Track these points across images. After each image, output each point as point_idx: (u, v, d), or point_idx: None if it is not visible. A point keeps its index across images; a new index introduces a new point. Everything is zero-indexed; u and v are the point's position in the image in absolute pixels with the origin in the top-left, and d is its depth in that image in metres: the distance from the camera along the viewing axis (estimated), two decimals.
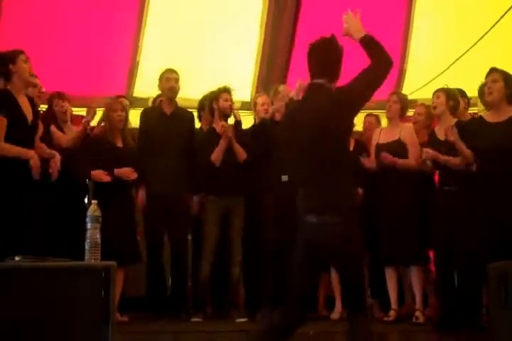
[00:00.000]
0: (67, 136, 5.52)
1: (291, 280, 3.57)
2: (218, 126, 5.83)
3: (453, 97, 5.47)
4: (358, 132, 6.29)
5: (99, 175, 5.46)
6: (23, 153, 4.59)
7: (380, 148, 5.77)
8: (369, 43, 3.52)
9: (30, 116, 4.70)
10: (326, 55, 3.61)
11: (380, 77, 3.49)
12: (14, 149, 4.58)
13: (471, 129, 5.10)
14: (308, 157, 3.52)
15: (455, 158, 5.19)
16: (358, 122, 6.33)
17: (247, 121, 6.54)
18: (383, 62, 3.49)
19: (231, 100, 5.91)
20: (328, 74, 3.59)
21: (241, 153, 5.82)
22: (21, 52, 4.74)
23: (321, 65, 3.60)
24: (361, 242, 3.64)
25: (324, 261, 3.62)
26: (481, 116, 5.20)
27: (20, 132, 4.61)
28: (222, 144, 5.76)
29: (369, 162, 5.78)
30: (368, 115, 6.44)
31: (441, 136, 5.40)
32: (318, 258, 3.53)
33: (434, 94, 5.52)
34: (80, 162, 5.47)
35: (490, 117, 5.04)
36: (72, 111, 5.85)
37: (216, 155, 5.76)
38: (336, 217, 3.43)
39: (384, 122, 6.41)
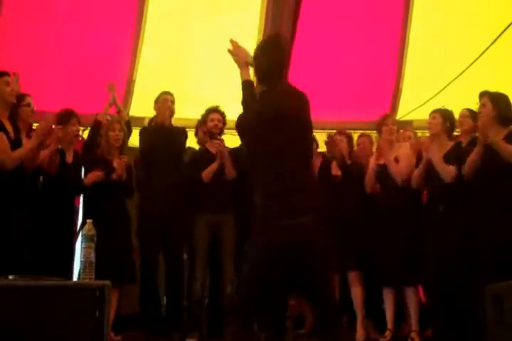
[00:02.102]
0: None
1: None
2: (211, 146, 5.85)
3: (449, 119, 5.48)
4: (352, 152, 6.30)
5: (92, 175, 5.47)
6: (30, 145, 4.65)
7: (377, 169, 5.77)
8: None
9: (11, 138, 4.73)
10: (272, 57, 3.63)
11: None
12: (23, 149, 4.66)
13: (469, 151, 5.11)
14: (281, 159, 3.52)
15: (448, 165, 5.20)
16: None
17: None
18: None
19: (219, 119, 5.91)
20: (272, 74, 3.63)
21: (231, 171, 5.82)
22: (4, 74, 4.76)
23: (266, 65, 3.63)
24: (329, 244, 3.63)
25: (291, 267, 3.50)
26: (477, 138, 5.21)
27: None
28: (216, 163, 5.76)
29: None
30: (361, 136, 6.42)
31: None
32: (286, 264, 3.46)
33: (430, 115, 5.51)
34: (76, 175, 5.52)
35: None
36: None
37: (207, 173, 5.75)
38: (311, 217, 3.44)
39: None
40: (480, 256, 4.93)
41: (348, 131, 6.30)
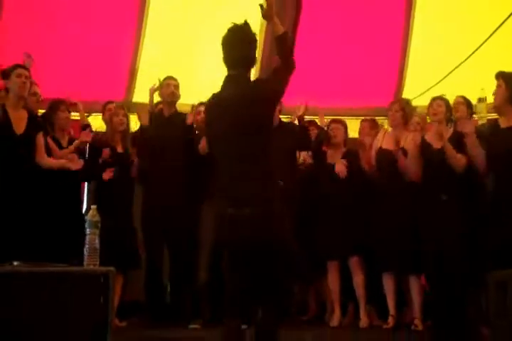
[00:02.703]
0: (60, 152, 5.44)
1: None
2: None
3: (450, 108, 5.45)
4: (352, 139, 6.28)
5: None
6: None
7: (381, 153, 5.73)
8: (284, 41, 3.55)
9: (20, 130, 4.73)
10: (238, 45, 3.59)
11: (286, 77, 3.54)
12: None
13: (485, 134, 5.09)
14: (230, 151, 3.51)
15: (459, 154, 5.16)
16: (354, 128, 6.34)
17: None
18: (290, 64, 3.54)
19: None
20: (242, 64, 3.61)
21: None
22: (17, 66, 4.80)
23: (235, 55, 3.59)
24: (286, 235, 3.55)
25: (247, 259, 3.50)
26: (495, 121, 5.18)
27: (5, 144, 4.64)
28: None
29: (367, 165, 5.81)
30: (364, 120, 6.38)
31: (435, 144, 5.38)
32: (241, 255, 3.48)
33: (434, 101, 5.43)
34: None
35: (502, 122, 5.00)
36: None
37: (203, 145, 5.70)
38: (255, 209, 3.40)
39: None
40: (483, 245, 4.93)
41: (343, 119, 6.27)
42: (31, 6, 6.88)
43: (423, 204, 5.39)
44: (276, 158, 5.62)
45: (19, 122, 4.74)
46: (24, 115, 4.78)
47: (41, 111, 5.76)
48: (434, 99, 5.48)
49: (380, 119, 6.43)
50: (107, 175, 5.49)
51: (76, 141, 5.51)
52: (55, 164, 5.06)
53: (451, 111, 5.45)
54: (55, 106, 5.64)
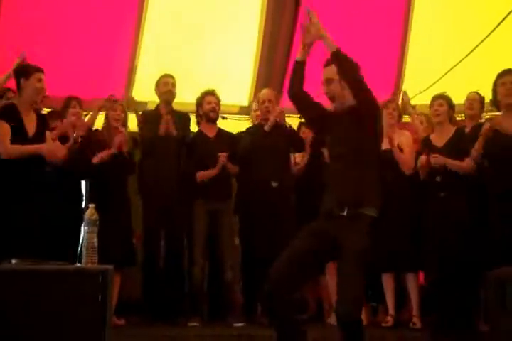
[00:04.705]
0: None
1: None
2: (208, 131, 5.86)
3: (452, 106, 5.41)
4: None
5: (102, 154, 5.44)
6: (32, 149, 4.56)
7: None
8: (338, 60, 3.74)
9: (31, 131, 4.68)
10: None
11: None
12: (23, 149, 4.55)
13: (472, 137, 5.08)
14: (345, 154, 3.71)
15: (462, 161, 5.16)
16: None
17: (244, 127, 6.57)
18: (357, 88, 3.78)
19: (215, 102, 5.87)
20: None
21: (233, 170, 5.80)
22: (39, 70, 4.72)
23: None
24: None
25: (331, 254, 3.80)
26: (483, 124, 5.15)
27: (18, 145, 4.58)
28: (215, 171, 5.72)
29: None
30: None
31: (438, 144, 5.37)
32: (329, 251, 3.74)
33: (435, 101, 5.39)
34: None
35: (504, 120, 4.95)
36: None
37: (203, 177, 5.73)
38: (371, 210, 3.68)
39: None
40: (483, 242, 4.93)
41: None
42: (29, 5, 6.87)
43: (424, 201, 5.41)
44: (270, 158, 5.72)
45: (30, 123, 4.69)
46: (33, 115, 4.74)
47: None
48: (434, 99, 5.43)
49: None
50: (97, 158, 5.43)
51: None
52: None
53: (453, 109, 5.41)
54: (66, 102, 5.67)
